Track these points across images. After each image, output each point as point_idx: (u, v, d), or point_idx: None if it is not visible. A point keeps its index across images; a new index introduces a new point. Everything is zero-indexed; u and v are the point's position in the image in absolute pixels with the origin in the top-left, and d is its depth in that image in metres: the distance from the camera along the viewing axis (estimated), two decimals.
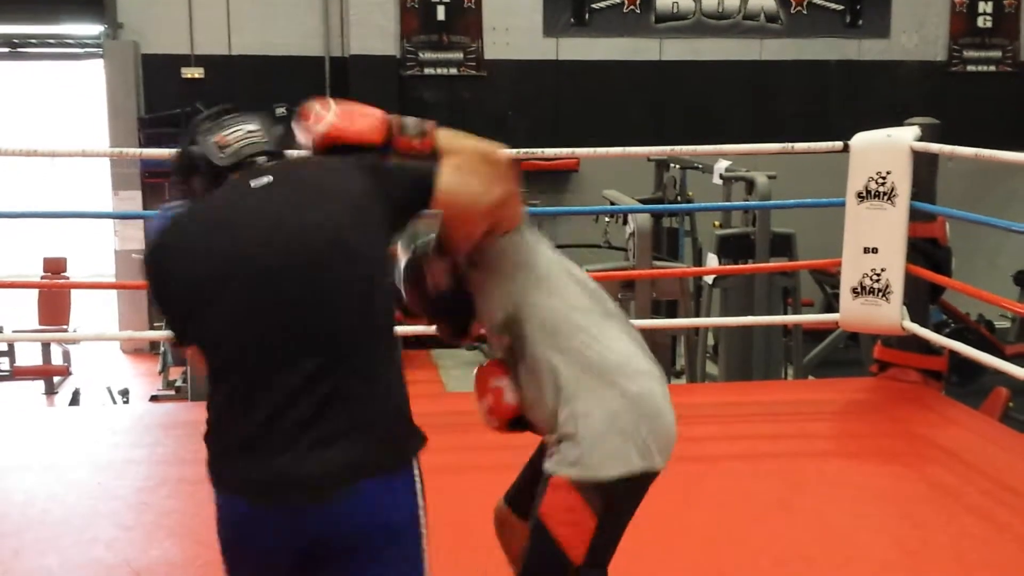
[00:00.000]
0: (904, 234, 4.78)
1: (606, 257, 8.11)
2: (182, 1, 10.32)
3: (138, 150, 7.82)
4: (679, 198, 8.76)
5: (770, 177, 7.30)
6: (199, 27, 10.39)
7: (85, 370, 9.32)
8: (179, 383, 7.98)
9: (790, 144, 5.21)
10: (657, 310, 7.63)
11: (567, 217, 9.92)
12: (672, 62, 11.09)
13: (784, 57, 11.22)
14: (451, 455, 4.09)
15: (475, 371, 2.49)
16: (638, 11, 10.98)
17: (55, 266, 9.60)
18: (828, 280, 9.12)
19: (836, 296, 6.02)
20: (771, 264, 6.97)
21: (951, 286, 5.12)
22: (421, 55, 10.71)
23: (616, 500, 2.25)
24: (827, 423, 4.90)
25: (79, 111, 11.68)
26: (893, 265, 4.79)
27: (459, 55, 10.77)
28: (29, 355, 9.11)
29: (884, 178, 4.73)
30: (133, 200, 10.04)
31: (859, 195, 4.81)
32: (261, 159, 2.15)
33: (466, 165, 2.15)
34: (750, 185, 7.38)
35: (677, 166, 8.89)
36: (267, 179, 2.09)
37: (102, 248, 10.50)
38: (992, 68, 11.69)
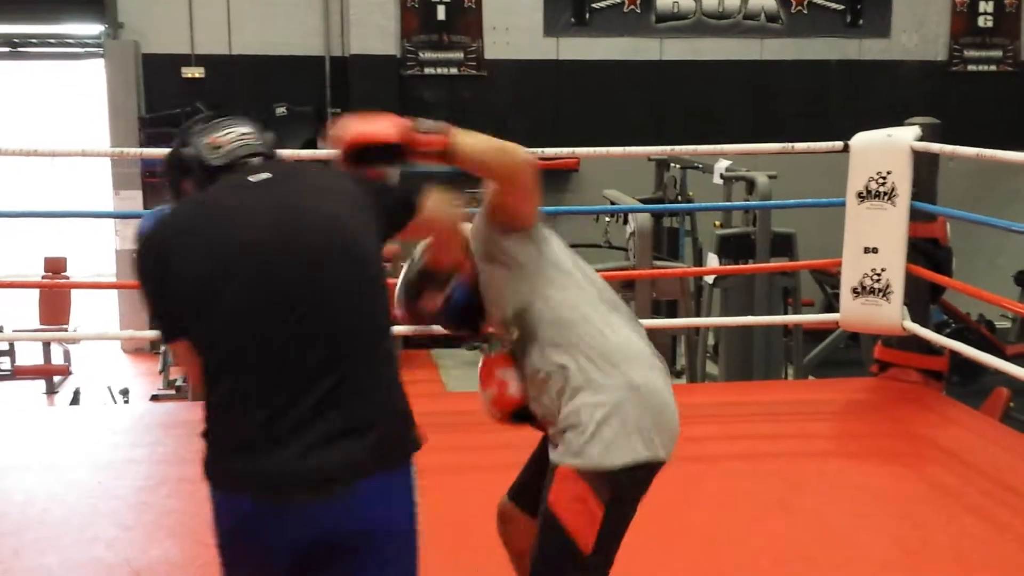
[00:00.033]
0: (904, 234, 4.78)
1: (606, 257, 8.11)
2: (182, 1, 10.32)
3: (138, 150, 7.82)
4: (679, 198, 8.75)
5: (770, 177, 7.29)
6: (199, 27, 10.39)
7: (85, 370, 9.32)
8: (179, 383, 7.98)
9: (790, 144, 5.21)
10: (657, 310, 7.64)
11: (567, 217, 9.89)
12: (672, 62, 11.09)
13: (784, 57, 11.21)
14: (451, 455, 4.09)
15: (480, 361, 2.52)
16: (638, 11, 10.98)
17: (56, 266, 9.60)
18: (828, 280, 9.12)
19: (836, 296, 6.02)
20: (771, 264, 6.97)
21: (952, 286, 5.12)
22: (421, 55, 10.71)
23: (622, 489, 2.28)
24: (827, 423, 4.90)
25: (79, 111, 11.68)
26: (893, 265, 4.79)
27: (459, 55, 10.77)
28: (30, 354, 9.11)
29: (884, 178, 4.73)
30: (134, 200, 10.04)
31: (859, 195, 4.81)
32: (255, 160, 2.15)
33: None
34: (750, 185, 7.38)
35: (677, 166, 8.89)
36: (266, 176, 2.10)
37: (103, 248, 10.51)
38: (993, 68, 11.68)
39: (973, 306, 8.83)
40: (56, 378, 9.06)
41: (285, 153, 5.18)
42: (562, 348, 2.32)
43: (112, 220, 10.07)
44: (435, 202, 2.24)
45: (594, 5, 10.91)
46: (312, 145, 9.55)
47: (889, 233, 4.78)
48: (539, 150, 5.30)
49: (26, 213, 7.47)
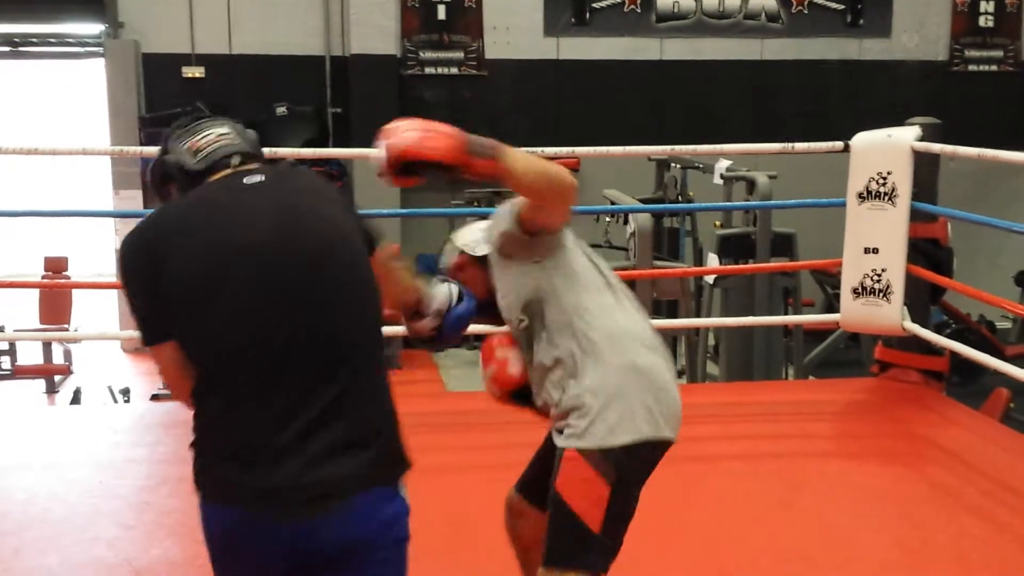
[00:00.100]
0: (905, 234, 4.78)
1: (607, 257, 8.03)
2: (183, 0, 10.32)
3: (138, 148, 7.79)
4: (680, 198, 8.75)
5: (771, 177, 7.29)
6: (200, 26, 10.39)
7: (86, 369, 9.31)
8: None
9: (791, 144, 5.21)
10: (658, 310, 7.64)
11: None
12: (673, 62, 11.08)
13: (785, 57, 11.21)
14: (451, 455, 4.09)
15: (484, 339, 2.60)
16: (639, 11, 10.97)
17: (56, 265, 9.60)
18: (829, 280, 9.12)
19: (837, 296, 6.02)
20: (772, 264, 6.97)
21: (952, 287, 5.11)
22: (422, 54, 10.71)
23: (626, 467, 2.32)
24: (828, 423, 4.91)
25: (80, 110, 11.68)
26: (894, 265, 4.79)
27: (460, 54, 10.77)
28: (30, 354, 9.10)
29: (885, 178, 4.73)
30: (134, 199, 10.04)
31: (860, 195, 4.81)
32: (235, 159, 2.14)
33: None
34: (751, 185, 7.38)
35: (678, 166, 8.88)
36: (259, 178, 2.09)
37: (103, 247, 10.51)
38: (994, 68, 11.67)
39: (973, 307, 8.83)
40: (57, 377, 9.05)
41: (285, 152, 5.18)
42: (566, 335, 2.37)
43: (112, 219, 10.06)
44: (386, 251, 2.25)
45: (594, 5, 10.91)
46: (312, 144, 9.56)
47: (889, 233, 4.78)
48: (539, 150, 5.31)
49: (26, 213, 7.48)
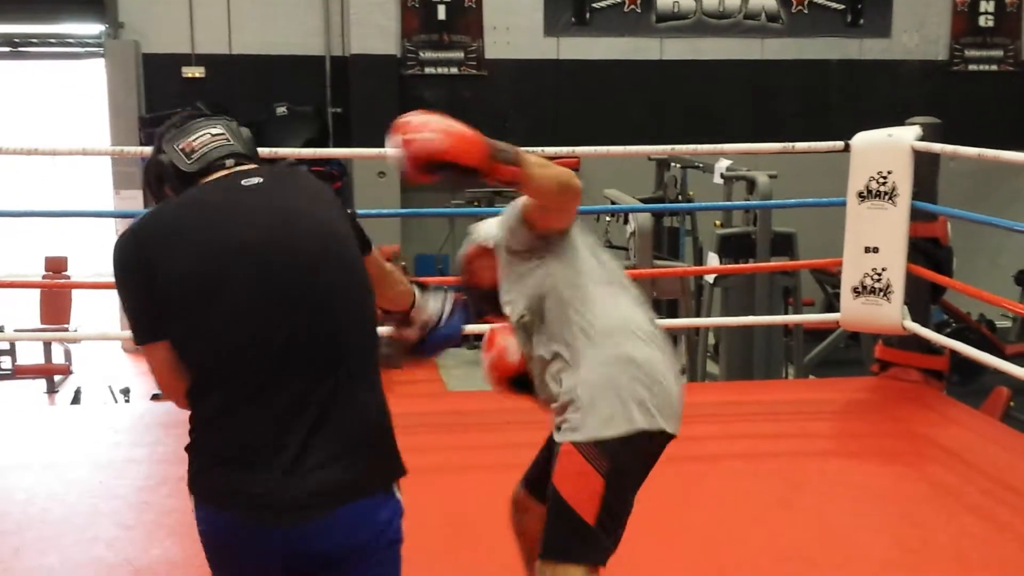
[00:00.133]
0: (905, 234, 4.77)
1: None
2: (183, 1, 10.32)
3: (138, 148, 7.79)
4: (680, 197, 8.75)
5: (771, 176, 7.29)
6: (200, 26, 10.39)
7: (86, 369, 9.32)
8: None
9: (791, 144, 5.21)
10: (658, 309, 7.63)
11: None
12: (673, 61, 11.09)
13: (785, 56, 11.21)
14: (451, 455, 4.09)
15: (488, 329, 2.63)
16: (639, 10, 10.98)
17: (56, 265, 9.60)
18: (829, 280, 9.13)
19: (837, 296, 6.02)
20: (772, 263, 6.97)
21: (952, 286, 5.11)
22: (422, 54, 10.72)
23: (621, 459, 2.33)
24: (828, 422, 4.90)
25: (80, 110, 11.68)
26: (894, 265, 4.79)
27: (460, 54, 10.77)
28: (30, 354, 9.11)
29: (885, 178, 4.73)
30: (134, 199, 10.04)
31: (860, 195, 4.81)
32: (229, 161, 2.12)
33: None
34: (751, 184, 7.38)
35: (678, 165, 8.89)
36: (257, 180, 2.08)
37: (103, 247, 10.50)
38: (994, 67, 11.68)
39: (973, 306, 8.83)
40: (57, 377, 9.06)
41: (286, 152, 5.18)
42: (564, 330, 2.39)
43: (113, 219, 10.06)
44: (377, 254, 2.25)
45: (594, 5, 10.91)
46: (312, 144, 9.56)
47: (890, 233, 4.78)
48: (539, 150, 5.31)
49: (27, 213, 7.47)
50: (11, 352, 9.00)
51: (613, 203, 8.02)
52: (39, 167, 12.41)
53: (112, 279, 2.07)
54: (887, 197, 4.73)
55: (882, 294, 4.82)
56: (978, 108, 11.13)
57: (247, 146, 2.18)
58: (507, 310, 2.52)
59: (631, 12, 10.97)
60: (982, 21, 11.58)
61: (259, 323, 1.97)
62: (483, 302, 2.61)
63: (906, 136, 4.74)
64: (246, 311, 1.97)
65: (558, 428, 2.40)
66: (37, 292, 9.24)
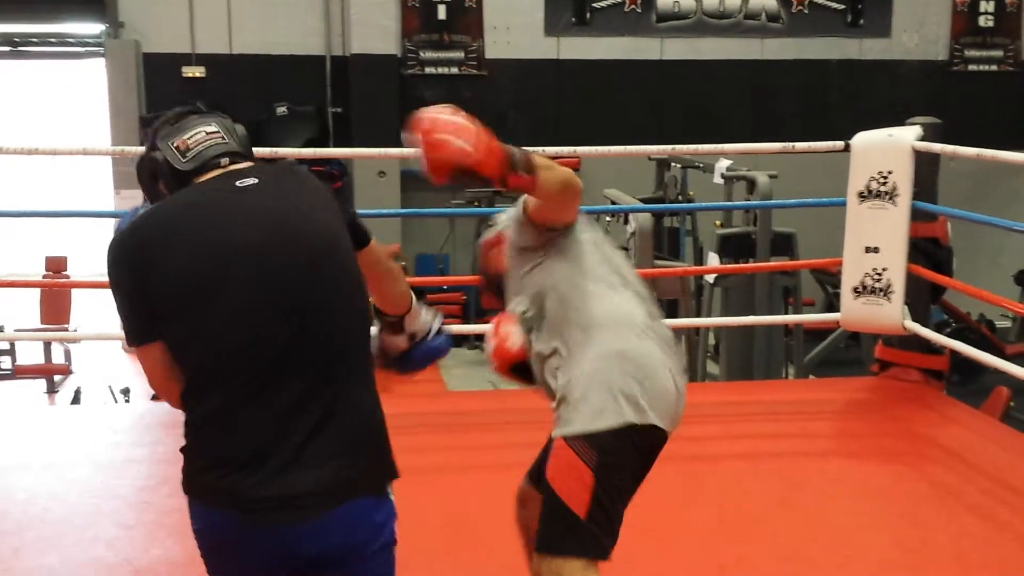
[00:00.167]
0: (905, 234, 4.78)
1: None
2: (183, 0, 10.32)
3: (139, 148, 7.80)
4: (680, 197, 8.75)
5: (771, 176, 7.30)
6: (200, 26, 10.39)
7: (86, 369, 9.31)
8: None
9: (791, 143, 5.21)
10: None
11: None
12: (673, 61, 11.09)
13: (785, 56, 11.21)
14: (451, 455, 4.10)
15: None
16: (639, 10, 10.98)
17: (56, 265, 9.60)
18: (829, 280, 9.13)
19: (837, 296, 6.02)
20: (772, 263, 6.97)
21: (952, 286, 5.12)
22: (422, 54, 10.71)
23: (611, 453, 2.34)
24: (828, 422, 4.90)
25: (80, 110, 11.67)
26: (894, 265, 4.79)
27: (460, 54, 10.77)
28: (30, 354, 9.10)
29: (886, 178, 4.73)
30: (135, 199, 9.97)
31: (860, 195, 4.81)
32: (224, 160, 2.11)
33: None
34: (751, 184, 7.38)
35: (678, 165, 8.89)
36: (252, 180, 2.06)
37: (103, 247, 10.49)
38: (994, 68, 11.68)
39: (974, 306, 8.83)
40: (57, 377, 9.05)
41: (286, 152, 5.18)
42: (562, 325, 2.42)
43: (113, 219, 10.05)
44: (383, 252, 2.25)
45: (595, 5, 10.91)
46: (313, 144, 9.56)
47: (890, 233, 4.78)
48: (540, 149, 5.31)
49: (27, 213, 7.46)
50: (11, 352, 9.00)
51: (613, 203, 8.02)
52: (39, 167, 12.40)
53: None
54: (887, 197, 4.73)
55: (882, 294, 4.82)
56: (978, 108, 11.13)
57: (242, 144, 2.16)
58: (511, 305, 2.55)
59: (631, 12, 10.97)
60: (982, 21, 11.58)
61: (259, 324, 1.97)
62: (497, 290, 2.66)
63: (906, 136, 4.74)
64: (246, 312, 1.97)
65: (553, 423, 2.43)
66: (37, 292, 9.23)
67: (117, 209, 9.89)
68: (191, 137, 2.11)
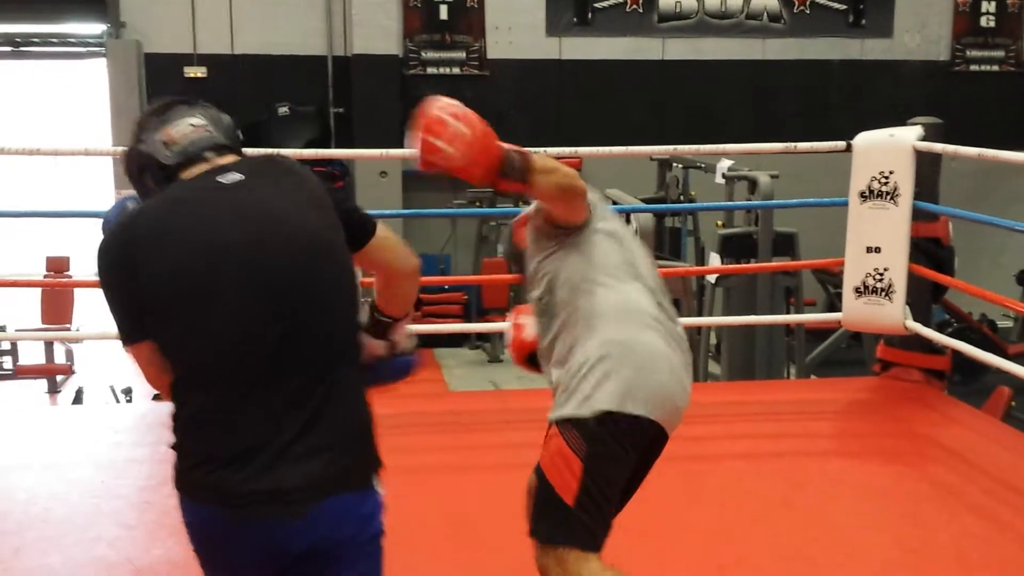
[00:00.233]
0: (907, 234, 4.77)
1: None
2: (185, 0, 10.32)
3: None
4: (681, 197, 8.76)
5: (773, 177, 7.29)
6: (202, 26, 10.40)
7: (88, 369, 9.31)
8: None
9: (793, 144, 5.21)
10: None
11: None
12: (674, 61, 11.09)
13: (787, 57, 11.21)
14: (452, 455, 4.09)
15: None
16: (641, 10, 10.98)
17: (58, 265, 9.60)
18: (831, 280, 9.12)
19: (839, 296, 6.02)
20: (774, 263, 6.97)
21: (954, 286, 5.11)
22: (424, 54, 10.72)
23: (597, 441, 2.35)
24: (829, 422, 4.90)
25: (82, 110, 11.68)
26: (896, 265, 4.79)
27: (462, 54, 10.78)
28: (32, 354, 9.11)
29: (887, 178, 4.73)
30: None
31: (862, 195, 4.81)
32: (210, 153, 2.09)
33: None
34: (753, 185, 7.38)
35: (679, 165, 8.89)
36: (238, 177, 2.04)
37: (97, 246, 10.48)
38: (995, 68, 11.67)
39: (975, 305, 8.83)
40: (59, 377, 9.05)
41: (287, 152, 5.17)
42: (570, 315, 2.44)
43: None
44: (397, 245, 2.20)
45: (596, 5, 10.91)
46: (314, 145, 9.56)
47: (891, 233, 4.77)
48: (541, 150, 5.31)
49: (29, 213, 7.47)
50: (13, 352, 9.00)
51: (615, 203, 8.01)
52: (41, 167, 12.41)
53: None
54: (889, 197, 4.73)
55: (884, 294, 4.82)
56: (979, 108, 11.13)
57: (228, 135, 2.14)
58: (528, 288, 2.59)
59: (633, 12, 10.97)
60: (983, 21, 11.58)
61: (249, 322, 1.97)
62: (520, 266, 2.69)
63: (908, 136, 4.74)
64: (236, 311, 1.96)
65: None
66: (39, 292, 9.24)
67: None
68: (176, 129, 2.10)
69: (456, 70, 10.77)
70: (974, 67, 11.62)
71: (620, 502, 2.50)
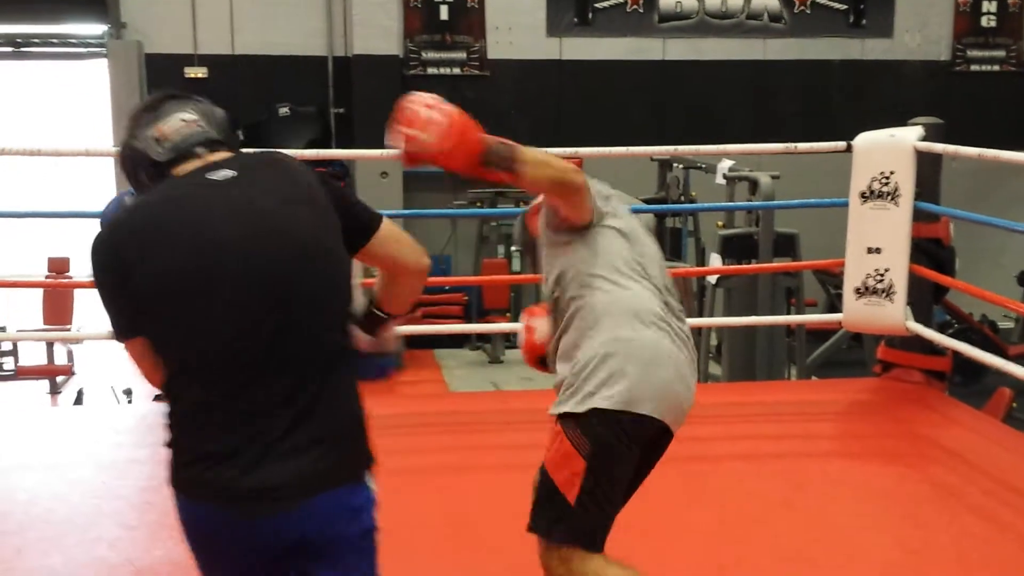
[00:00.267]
0: (908, 234, 4.77)
1: None
2: (185, 1, 10.33)
3: None
4: (682, 198, 8.76)
5: (773, 177, 7.29)
6: (202, 27, 10.41)
7: (89, 369, 9.32)
8: None
9: (793, 144, 5.21)
10: None
11: None
12: (675, 62, 11.09)
13: (787, 57, 11.21)
14: (452, 455, 4.09)
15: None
16: (641, 11, 10.98)
17: (59, 266, 9.61)
18: (831, 280, 9.11)
19: (839, 296, 6.01)
20: (774, 264, 6.97)
21: (955, 286, 5.11)
22: (424, 55, 10.72)
23: (600, 440, 2.34)
24: (830, 423, 4.90)
25: (83, 111, 11.68)
26: (897, 265, 4.79)
27: (462, 55, 10.78)
28: (33, 355, 9.12)
29: (888, 178, 4.73)
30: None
31: (863, 195, 4.81)
32: (202, 149, 2.08)
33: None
34: (753, 185, 7.38)
35: (680, 166, 8.89)
36: (230, 173, 2.04)
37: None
38: (996, 68, 11.68)
39: (976, 306, 8.82)
40: (59, 378, 9.06)
41: (287, 153, 5.17)
42: (577, 312, 2.44)
43: None
44: (407, 241, 2.20)
45: (597, 5, 10.91)
46: (315, 145, 9.57)
47: (892, 233, 4.77)
48: (541, 150, 5.31)
49: (29, 213, 7.47)
50: (14, 353, 9.01)
51: None
52: (42, 168, 12.41)
53: None
54: (889, 197, 4.73)
55: (884, 295, 4.82)
56: (980, 108, 11.13)
57: (221, 129, 2.13)
58: (542, 287, 2.60)
59: (633, 12, 10.97)
60: (984, 21, 11.58)
61: (243, 320, 1.97)
62: (534, 254, 2.71)
63: (908, 136, 4.74)
64: (229, 307, 1.96)
65: None
66: (40, 292, 9.24)
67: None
68: (168, 124, 2.09)
69: (456, 70, 10.78)
70: (975, 67, 11.62)
71: (623, 500, 2.49)
